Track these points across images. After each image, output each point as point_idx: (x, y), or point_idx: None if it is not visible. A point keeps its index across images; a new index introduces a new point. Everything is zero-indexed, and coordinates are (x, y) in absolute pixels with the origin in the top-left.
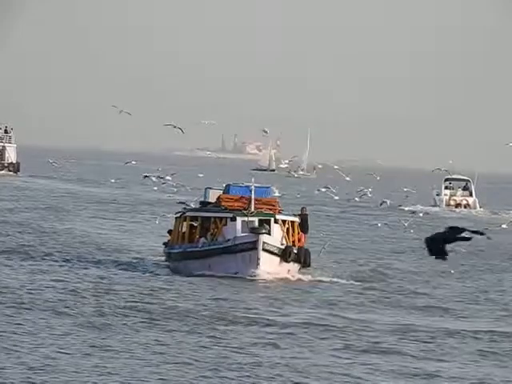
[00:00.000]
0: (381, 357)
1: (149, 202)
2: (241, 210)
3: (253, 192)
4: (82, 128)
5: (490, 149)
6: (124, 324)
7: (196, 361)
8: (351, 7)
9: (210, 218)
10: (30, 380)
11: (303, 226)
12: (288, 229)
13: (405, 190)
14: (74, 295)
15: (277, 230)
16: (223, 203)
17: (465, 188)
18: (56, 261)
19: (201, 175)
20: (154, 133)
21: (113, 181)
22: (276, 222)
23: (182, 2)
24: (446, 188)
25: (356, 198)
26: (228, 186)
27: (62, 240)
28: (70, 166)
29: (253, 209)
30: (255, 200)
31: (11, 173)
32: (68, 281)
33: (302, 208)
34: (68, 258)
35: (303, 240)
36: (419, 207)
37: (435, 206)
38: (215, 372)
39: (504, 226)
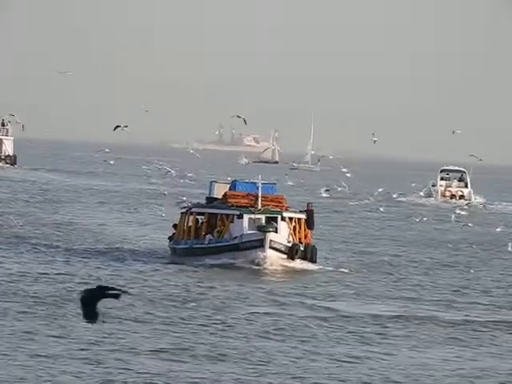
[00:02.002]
0: (380, 346)
1: (148, 195)
2: (247, 207)
3: (260, 189)
4: (81, 124)
5: (488, 145)
6: (127, 314)
7: (196, 349)
8: (351, 7)
9: (216, 214)
10: (34, 368)
11: (309, 222)
12: (295, 226)
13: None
14: (73, 286)
15: (283, 228)
16: (230, 200)
17: (460, 179)
18: (55, 252)
19: (190, 175)
20: (152, 127)
21: (112, 162)
22: (283, 219)
23: (182, 2)
24: (442, 179)
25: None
26: (234, 181)
27: (60, 231)
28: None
29: (260, 206)
30: (262, 197)
31: (8, 165)
32: (65, 272)
33: (308, 204)
34: (65, 248)
35: (309, 236)
36: (416, 198)
37: (431, 196)
38: (215, 360)
39: (458, 211)
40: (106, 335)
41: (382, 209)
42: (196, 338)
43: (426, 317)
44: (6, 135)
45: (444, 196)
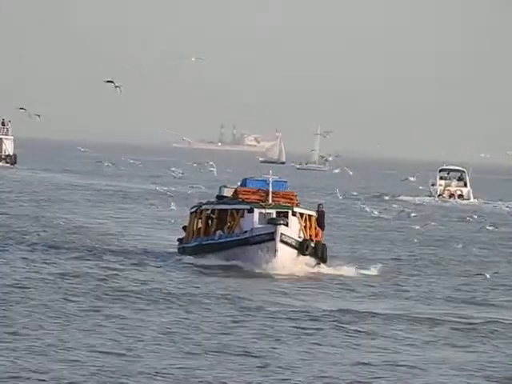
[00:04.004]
0: (383, 344)
1: (153, 195)
2: (258, 203)
3: (270, 184)
4: (81, 124)
5: (488, 145)
6: (132, 313)
7: (202, 348)
8: (351, 7)
9: (226, 210)
10: (38, 362)
11: (320, 223)
12: (306, 222)
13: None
14: (76, 287)
15: (294, 223)
16: (240, 196)
17: (459, 178)
18: (59, 252)
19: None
20: (152, 126)
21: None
22: (294, 214)
23: (182, 1)
24: (441, 178)
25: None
26: (245, 179)
27: (63, 231)
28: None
29: (270, 201)
30: (273, 193)
31: (8, 165)
32: (67, 273)
33: (319, 205)
34: (66, 247)
35: (320, 235)
36: (416, 198)
37: (430, 196)
38: (221, 359)
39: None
40: (111, 335)
41: (383, 209)
42: (201, 337)
43: (440, 317)
44: (6, 135)
45: (443, 195)
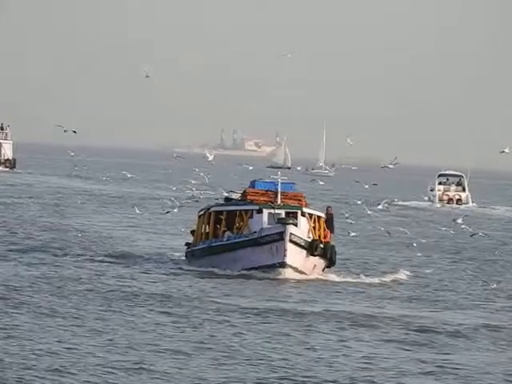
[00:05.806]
0: (386, 347)
1: (155, 199)
2: (267, 203)
3: (279, 185)
4: (81, 126)
5: (489, 147)
6: (140, 313)
7: (206, 348)
8: (351, 7)
9: (235, 211)
10: (44, 362)
11: (328, 226)
12: (315, 223)
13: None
14: (80, 287)
15: (303, 223)
16: (249, 197)
17: (458, 183)
18: (60, 257)
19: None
20: (153, 130)
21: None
22: (303, 214)
23: (183, 2)
24: (440, 183)
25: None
26: (253, 181)
27: (65, 235)
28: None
29: (279, 202)
30: (281, 194)
31: (7, 169)
32: (69, 275)
33: (328, 207)
34: (70, 252)
35: (329, 237)
36: (413, 202)
37: (429, 201)
38: (223, 361)
39: (380, 206)
40: (115, 339)
41: (383, 213)
42: (205, 340)
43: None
44: (6, 139)
45: (442, 200)
